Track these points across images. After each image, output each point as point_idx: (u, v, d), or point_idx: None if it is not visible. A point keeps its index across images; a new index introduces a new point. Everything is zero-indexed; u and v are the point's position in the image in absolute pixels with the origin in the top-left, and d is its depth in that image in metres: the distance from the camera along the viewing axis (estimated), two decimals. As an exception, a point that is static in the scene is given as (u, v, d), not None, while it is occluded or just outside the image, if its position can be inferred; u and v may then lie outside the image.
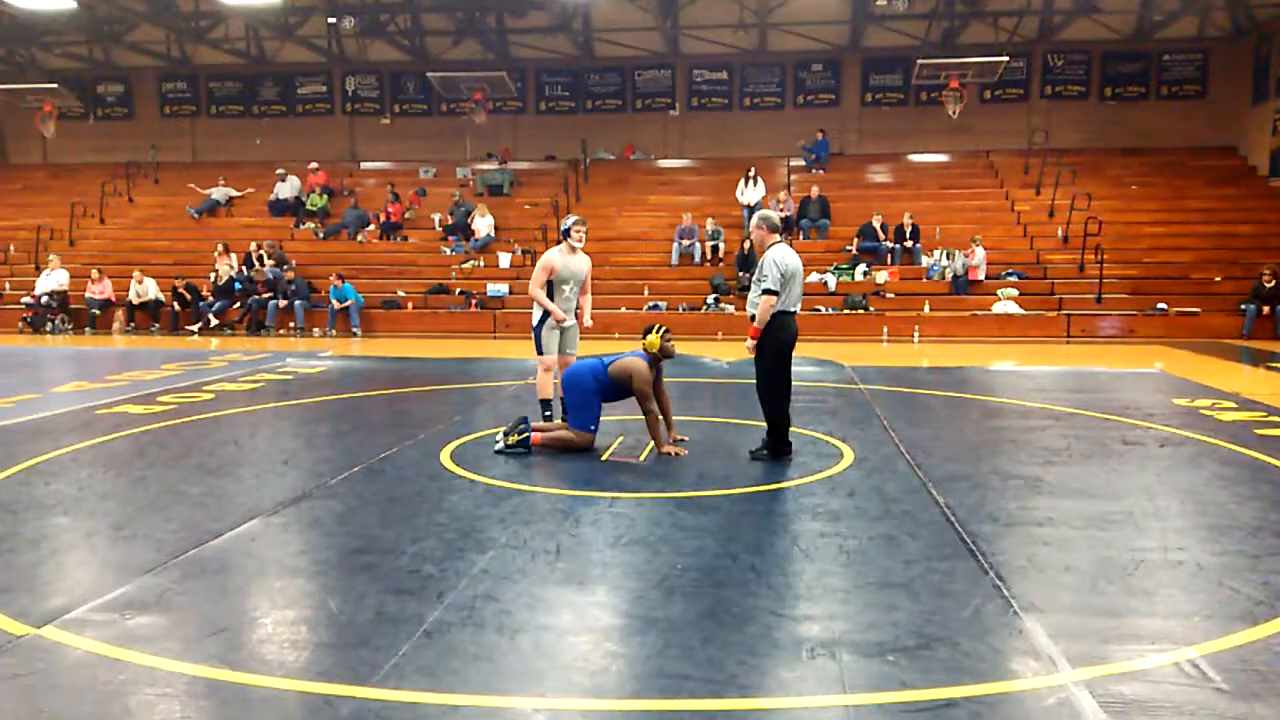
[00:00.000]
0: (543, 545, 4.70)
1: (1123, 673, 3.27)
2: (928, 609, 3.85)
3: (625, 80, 23.03)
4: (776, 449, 6.63)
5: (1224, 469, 6.32)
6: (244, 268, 18.51)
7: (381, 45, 22.52)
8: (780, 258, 6.45)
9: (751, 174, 19.52)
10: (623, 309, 17.17)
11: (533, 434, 6.86)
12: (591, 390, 6.73)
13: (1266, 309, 15.62)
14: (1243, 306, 15.88)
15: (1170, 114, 21.53)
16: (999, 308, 16.88)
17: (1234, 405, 8.78)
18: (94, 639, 3.58)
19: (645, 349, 6.78)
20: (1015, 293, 17.15)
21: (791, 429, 6.71)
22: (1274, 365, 12.14)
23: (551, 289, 7.48)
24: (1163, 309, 16.43)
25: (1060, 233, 18.71)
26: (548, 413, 7.52)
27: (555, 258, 7.45)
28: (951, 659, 3.38)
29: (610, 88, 23.11)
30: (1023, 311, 16.76)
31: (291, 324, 17.43)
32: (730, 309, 17.18)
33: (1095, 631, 3.63)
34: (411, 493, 5.82)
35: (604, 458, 6.69)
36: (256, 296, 17.65)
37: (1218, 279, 17.09)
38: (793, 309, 6.54)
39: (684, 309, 17.28)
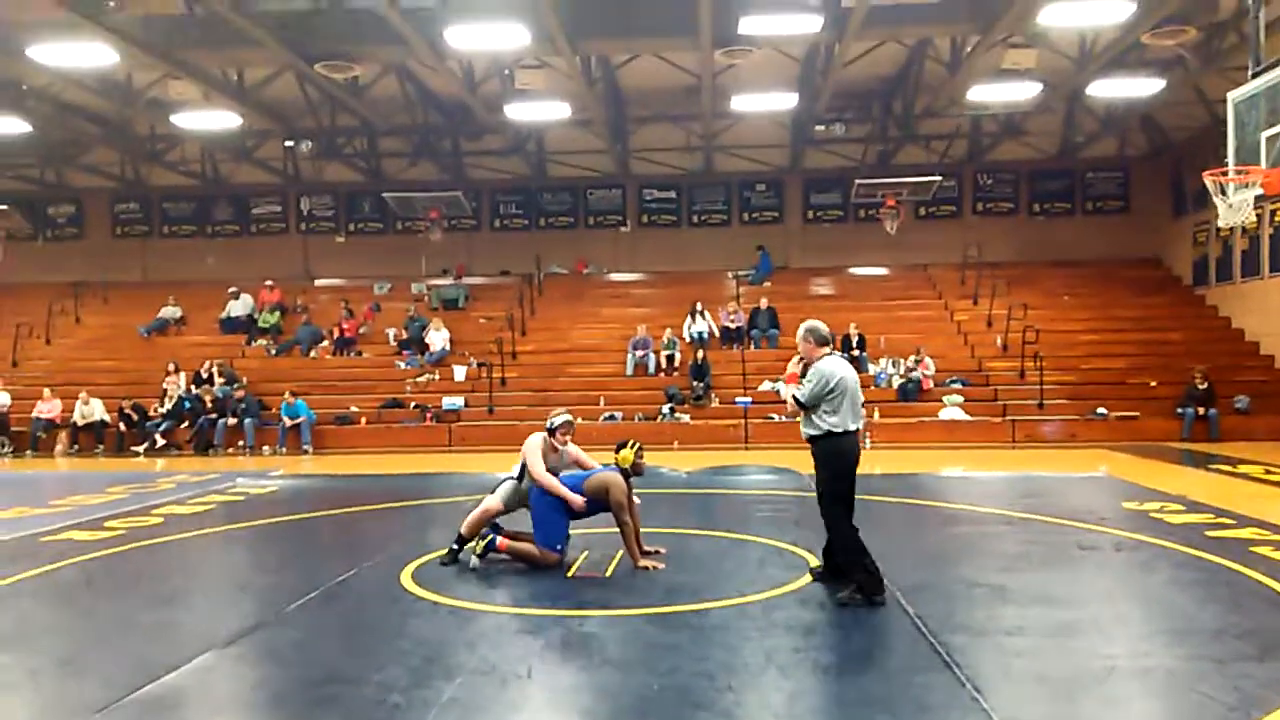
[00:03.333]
0: (513, 670, 4.60)
1: (1107, 785, 3.27)
2: (909, 725, 3.83)
3: (577, 199, 23.65)
4: (868, 588, 5.68)
5: (1180, 572, 6.44)
6: (193, 386, 18.21)
7: (337, 166, 22.89)
8: (830, 368, 5.83)
9: (699, 309, 19.87)
10: (579, 419, 17.10)
11: (500, 539, 6.78)
12: (560, 506, 6.68)
13: (1201, 410, 16.17)
14: (1180, 410, 16.41)
15: (1096, 228, 22.66)
16: (946, 414, 17.22)
17: (1182, 508, 8.99)
18: (43, 787, 3.39)
19: (618, 463, 6.79)
20: (961, 399, 17.55)
21: (757, 540, 6.67)
22: (1214, 467, 12.50)
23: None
24: (1103, 413, 16.90)
25: (999, 341, 19.32)
26: (455, 545, 7.09)
27: (538, 442, 6.99)
28: (937, 777, 3.35)
29: (563, 206, 23.69)
30: (969, 417, 17.11)
31: (241, 442, 17.08)
32: (686, 419, 17.28)
33: (1075, 743, 3.63)
34: (372, 618, 5.68)
35: (570, 574, 6.60)
36: (206, 416, 17.30)
37: (1153, 384, 17.69)
38: (853, 427, 5.85)
39: (640, 419, 17.34)
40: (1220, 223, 9.31)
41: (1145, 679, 4.33)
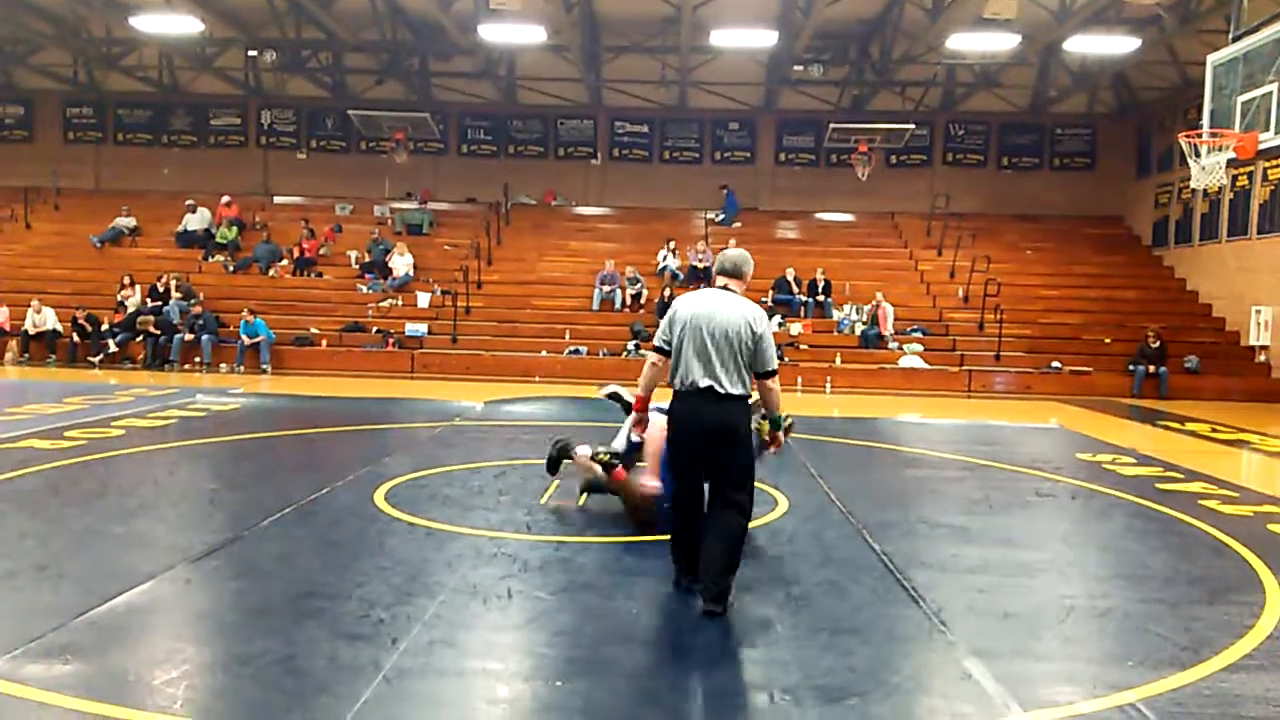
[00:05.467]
0: (493, 590, 4.67)
1: (1070, 716, 3.45)
2: (882, 654, 3.99)
3: (548, 128, 23.25)
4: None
5: (1133, 521, 6.70)
6: (148, 299, 17.81)
7: (300, 81, 22.21)
8: (675, 304, 4.70)
9: (671, 246, 19.86)
10: (543, 353, 17.18)
11: (619, 468, 5.93)
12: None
13: (1152, 368, 16.63)
14: (1131, 367, 16.86)
15: (1062, 184, 22.88)
16: (905, 362, 17.50)
17: (1133, 460, 9.30)
18: (31, 686, 3.39)
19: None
20: (920, 348, 17.83)
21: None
22: (1163, 424, 12.91)
23: None
24: (1057, 367, 17.30)
25: (961, 292, 19.59)
26: (554, 453, 6.79)
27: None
28: (909, 704, 3.51)
29: (533, 135, 23.29)
30: (927, 366, 17.41)
31: (197, 359, 16.81)
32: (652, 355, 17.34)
33: (1040, 676, 3.81)
34: (349, 536, 5.70)
35: (542, 500, 6.68)
36: (157, 331, 16.90)
37: (1107, 340, 18.13)
38: (684, 384, 4.49)
39: (605, 354, 17.37)
40: (1193, 184, 9.48)
41: (1103, 619, 4.53)
